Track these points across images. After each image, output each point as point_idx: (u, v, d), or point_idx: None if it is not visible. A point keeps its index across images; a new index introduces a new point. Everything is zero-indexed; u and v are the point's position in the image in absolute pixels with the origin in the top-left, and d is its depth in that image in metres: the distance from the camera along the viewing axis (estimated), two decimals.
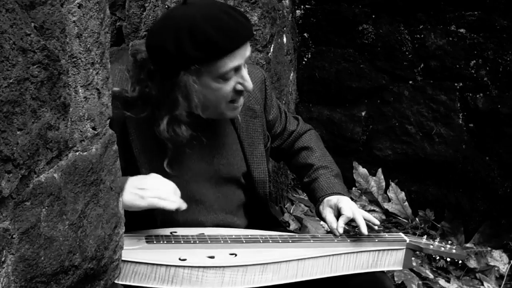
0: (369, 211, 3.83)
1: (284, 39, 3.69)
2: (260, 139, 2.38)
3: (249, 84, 2.16)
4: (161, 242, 2.09)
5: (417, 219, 3.78)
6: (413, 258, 2.35)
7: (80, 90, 1.57)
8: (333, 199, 2.34)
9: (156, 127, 2.14)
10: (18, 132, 1.39)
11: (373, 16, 3.79)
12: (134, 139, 2.20)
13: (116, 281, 1.84)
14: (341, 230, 2.24)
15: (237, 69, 2.13)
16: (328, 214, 2.32)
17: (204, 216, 2.29)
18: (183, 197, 2.22)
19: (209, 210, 2.29)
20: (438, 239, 2.36)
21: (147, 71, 2.14)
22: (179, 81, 2.08)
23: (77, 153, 1.58)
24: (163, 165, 2.20)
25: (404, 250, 2.23)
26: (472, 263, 3.48)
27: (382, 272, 2.25)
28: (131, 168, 2.16)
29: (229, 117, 2.26)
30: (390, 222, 3.83)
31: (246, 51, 2.14)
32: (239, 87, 2.15)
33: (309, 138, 2.53)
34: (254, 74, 2.38)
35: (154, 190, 2.09)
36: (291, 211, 3.83)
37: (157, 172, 2.17)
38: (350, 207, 2.29)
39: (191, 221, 2.27)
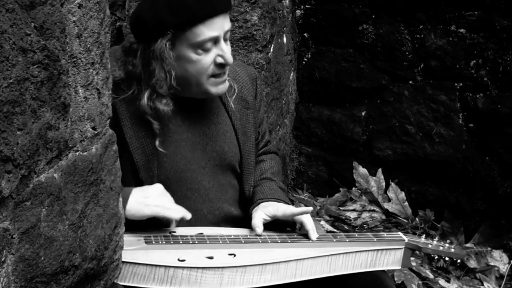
0: (369, 211, 3.83)
1: (284, 39, 3.70)
2: (252, 131, 2.38)
3: (229, 56, 2.18)
4: (160, 242, 2.09)
5: (417, 219, 3.77)
6: (412, 258, 2.34)
7: (80, 90, 1.57)
8: (272, 204, 2.29)
9: (138, 102, 2.17)
10: (18, 132, 1.39)
11: (373, 16, 3.79)
12: (125, 124, 2.20)
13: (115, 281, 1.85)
14: (258, 231, 2.20)
15: (216, 42, 2.15)
16: (257, 216, 2.25)
17: (200, 204, 2.28)
18: (177, 185, 2.22)
19: (204, 198, 2.28)
20: (437, 239, 2.36)
21: (131, 50, 2.18)
22: (155, 48, 2.11)
23: (77, 153, 1.58)
24: (155, 148, 2.20)
25: (403, 249, 2.22)
26: (472, 263, 3.48)
27: (383, 271, 2.25)
28: (126, 155, 2.17)
29: (214, 95, 2.25)
30: (390, 222, 3.82)
31: (224, 23, 2.16)
32: (219, 59, 2.17)
33: (271, 157, 2.52)
34: (247, 70, 2.42)
35: (157, 198, 2.13)
36: None
37: (150, 155, 2.19)
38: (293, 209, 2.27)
39: (187, 209, 2.26)
